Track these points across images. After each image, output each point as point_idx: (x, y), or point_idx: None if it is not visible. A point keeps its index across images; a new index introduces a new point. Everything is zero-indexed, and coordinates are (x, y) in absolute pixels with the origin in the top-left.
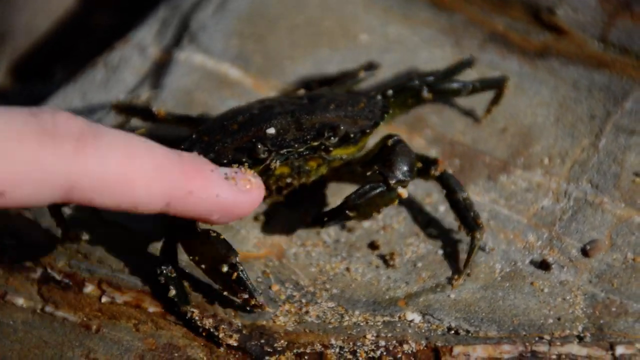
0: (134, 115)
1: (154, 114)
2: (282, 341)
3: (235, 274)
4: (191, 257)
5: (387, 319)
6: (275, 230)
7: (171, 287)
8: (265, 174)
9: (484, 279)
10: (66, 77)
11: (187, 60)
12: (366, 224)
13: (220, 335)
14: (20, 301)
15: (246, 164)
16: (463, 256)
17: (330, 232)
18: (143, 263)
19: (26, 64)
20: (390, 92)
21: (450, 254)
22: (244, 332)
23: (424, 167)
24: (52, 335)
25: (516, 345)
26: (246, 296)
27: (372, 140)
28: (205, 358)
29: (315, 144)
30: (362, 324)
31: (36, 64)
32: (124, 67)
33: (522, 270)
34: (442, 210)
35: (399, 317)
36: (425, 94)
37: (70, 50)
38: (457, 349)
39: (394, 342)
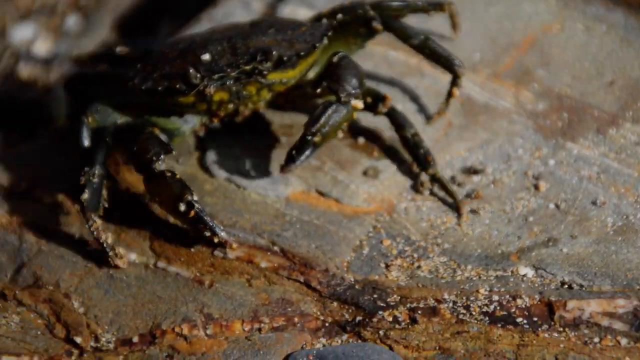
0: (99, 62)
1: (117, 55)
2: (395, 296)
3: (192, 212)
4: (153, 200)
5: (499, 273)
6: (384, 184)
7: (86, 190)
8: (204, 101)
9: (596, 233)
10: (171, 32)
11: (291, 14)
12: (475, 177)
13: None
14: (133, 256)
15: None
16: (575, 211)
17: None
18: (254, 219)
19: (131, 19)
20: (339, 16)
21: (563, 209)
22: (356, 287)
23: (372, 102)
24: (166, 290)
25: (630, 300)
26: (208, 234)
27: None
28: (318, 312)
29: (248, 68)
30: (474, 278)
31: (141, 19)
32: (229, 22)
33: (635, 224)
34: (551, 164)
35: (512, 272)
36: (376, 24)
37: (175, 5)
38: (571, 304)
39: (507, 296)
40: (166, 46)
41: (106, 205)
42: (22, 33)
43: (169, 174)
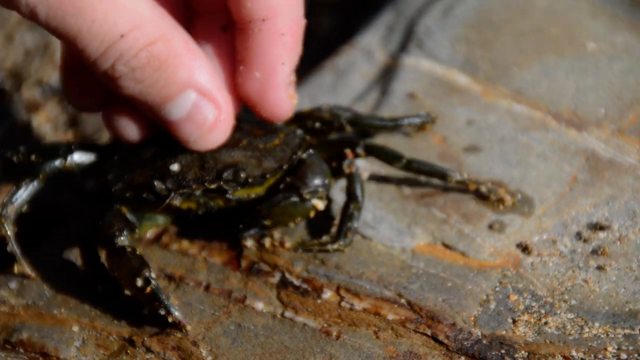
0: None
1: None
2: (522, 352)
3: (149, 288)
4: (111, 273)
5: (627, 331)
6: (510, 239)
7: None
8: (175, 209)
9: None
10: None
11: (414, 65)
12: (601, 234)
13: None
14: (260, 306)
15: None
16: None
17: (567, 242)
18: (380, 271)
19: None
20: (317, 124)
21: None
22: (483, 341)
23: (337, 166)
24: (293, 341)
25: None
26: (163, 312)
27: None
28: None
29: (213, 186)
30: (602, 336)
31: None
32: (351, 72)
33: None
34: None
35: None
36: (359, 150)
37: None
38: None
39: (636, 355)
40: (141, 143)
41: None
42: None
43: (129, 250)
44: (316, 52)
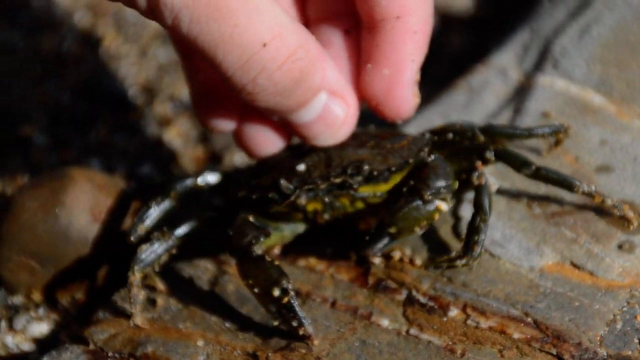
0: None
1: None
2: None
3: (286, 298)
4: (245, 281)
5: None
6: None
7: (149, 245)
8: (300, 210)
9: None
10: (424, 98)
11: (549, 85)
12: None
13: None
14: (386, 322)
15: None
16: None
17: None
18: (507, 289)
19: None
20: (450, 135)
21: None
22: None
23: (466, 178)
24: (417, 358)
25: None
26: (295, 324)
27: None
28: None
29: (338, 181)
30: None
31: None
32: (485, 90)
33: None
34: None
35: None
36: (489, 154)
37: (425, 72)
38: None
39: None
40: (270, 157)
41: (156, 270)
42: None
43: (268, 259)
44: (446, 69)
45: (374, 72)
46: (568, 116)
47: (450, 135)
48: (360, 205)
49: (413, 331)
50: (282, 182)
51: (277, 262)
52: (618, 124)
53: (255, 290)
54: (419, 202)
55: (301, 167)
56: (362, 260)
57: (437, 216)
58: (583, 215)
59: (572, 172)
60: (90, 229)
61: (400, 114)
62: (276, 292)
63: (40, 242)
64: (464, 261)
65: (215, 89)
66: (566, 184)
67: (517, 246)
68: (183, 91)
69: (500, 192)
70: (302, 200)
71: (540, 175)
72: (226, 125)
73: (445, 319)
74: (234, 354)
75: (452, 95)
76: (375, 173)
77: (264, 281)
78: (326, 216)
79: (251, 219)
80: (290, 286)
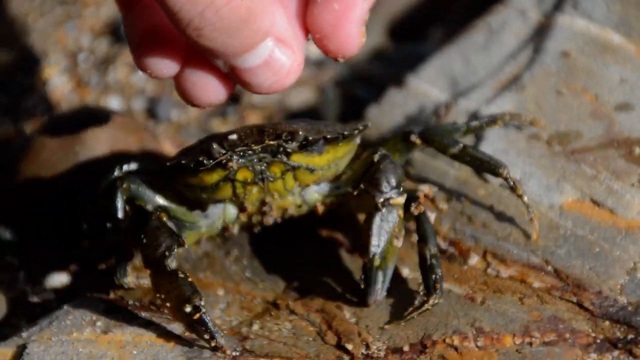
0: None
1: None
2: None
3: (198, 314)
4: (157, 295)
5: None
6: None
7: (114, 257)
8: (229, 180)
9: None
10: (443, 38)
11: (569, 25)
12: None
13: None
14: (406, 272)
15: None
16: None
17: None
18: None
19: (402, 24)
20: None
21: None
22: (629, 308)
23: (405, 202)
24: (437, 306)
25: None
26: (207, 337)
27: None
28: (589, 329)
29: (272, 143)
30: None
31: (412, 23)
32: (504, 30)
33: None
34: None
35: None
36: (413, 137)
37: (445, 12)
38: None
39: None
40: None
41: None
42: None
43: (181, 275)
44: (465, 9)
45: (324, 5)
46: (587, 55)
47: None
48: (290, 182)
49: None
50: (214, 145)
51: (190, 279)
52: (637, 63)
53: (167, 304)
54: (379, 213)
55: (233, 136)
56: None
57: (402, 214)
58: (603, 153)
59: (592, 111)
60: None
61: (344, 51)
62: (188, 309)
63: (60, 180)
64: (432, 302)
65: (157, 32)
66: (490, 167)
67: (537, 183)
68: None
69: (519, 129)
70: (234, 163)
71: (467, 153)
72: (168, 69)
73: (465, 267)
74: (254, 303)
75: (471, 36)
76: (310, 139)
77: (176, 297)
78: (254, 191)
79: (164, 217)
80: (202, 303)
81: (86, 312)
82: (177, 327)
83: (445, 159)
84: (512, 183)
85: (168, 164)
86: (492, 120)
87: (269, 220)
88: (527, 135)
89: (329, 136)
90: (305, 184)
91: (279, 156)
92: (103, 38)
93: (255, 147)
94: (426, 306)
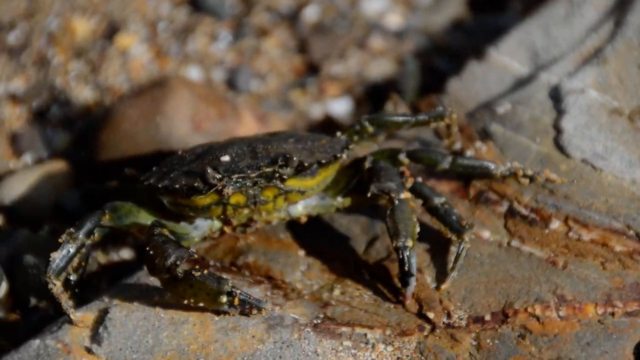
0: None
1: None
2: None
3: (236, 298)
4: (186, 301)
5: None
6: None
7: (60, 250)
8: (221, 204)
9: None
10: (522, 9)
11: None
12: None
13: None
14: (487, 234)
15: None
16: None
17: None
18: (610, 202)
19: None
20: (355, 137)
21: None
22: None
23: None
24: (519, 270)
25: None
26: (255, 312)
27: None
28: None
29: (268, 170)
30: None
31: None
32: (585, 3)
33: None
34: None
35: None
36: (402, 157)
37: None
38: None
39: None
40: (182, 151)
41: (71, 278)
42: (374, 5)
43: (197, 274)
44: None
45: None
46: None
47: (356, 137)
48: (280, 203)
49: (514, 243)
50: (209, 170)
51: (206, 271)
52: None
53: (201, 304)
54: (394, 205)
55: (226, 157)
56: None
57: (412, 204)
58: None
59: None
60: (191, 138)
61: None
62: (224, 299)
63: (141, 150)
64: (467, 237)
65: None
66: (483, 169)
67: (619, 159)
68: (281, 1)
69: (601, 104)
70: (229, 190)
71: (458, 164)
72: None
73: (546, 231)
74: (335, 266)
75: (551, 8)
76: (305, 164)
77: (207, 295)
78: (245, 212)
79: (166, 232)
80: (232, 284)
81: None
82: (258, 291)
83: (528, 133)
84: (508, 175)
85: (160, 185)
86: (437, 116)
87: (252, 230)
88: (609, 110)
89: (323, 161)
90: (294, 202)
91: (274, 182)
92: (182, 7)
93: (252, 175)
94: (464, 245)
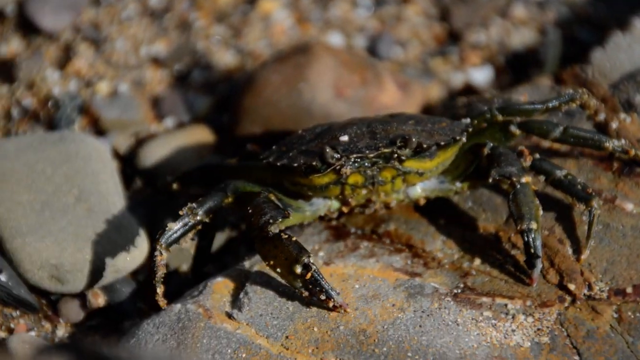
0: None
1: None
2: None
3: (309, 274)
4: (266, 263)
5: None
6: None
7: (178, 223)
8: (339, 183)
9: None
10: None
11: None
12: None
13: None
14: (630, 206)
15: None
16: None
17: None
18: None
19: None
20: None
21: None
22: None
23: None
24: None
25: None
26: (323, 297)
27: None
28: None
29: (387, 151)
30: None
31: None
32: None
33: None
34: None
35: None
36: (513, 128)
37: None
38: None
39: None
40: (302, 130)
41: (183, 246)
42: None
43: (285, 236)
44: None
45: None
46: None
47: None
48: (398, 184)
49: None
50: (328, 149)
51: (294, 238)
52: None
53: (278, 270)
54: (517, 188)
55: (345, 137)
56: None
57: (534, 187)
58: None
59: None
60: (333, 105)
61: None
62: (298, 269)
63: (283, 116)
64: (596, 204)
65: None
66: (595, 142)
67: None
68: None
69: None
70: (347, 170)
71: (570, 134)
72: None
73: None
74: (476, 235)
75: None
76: (424, 146)
77: (285, 260)
78: (363, 193)
79: (272, 197)
80: (312, 260)
81: (308, 240)
82: (399, 260)
83: None
84: (619, 152)
85: (278, 163)
86: (568, 100)
87: (370, 211)
88: None
89: (442, 143)
90: (412, 184)
91: (392, 162)
92: None
93: (370, 155)
94: (595, 212)
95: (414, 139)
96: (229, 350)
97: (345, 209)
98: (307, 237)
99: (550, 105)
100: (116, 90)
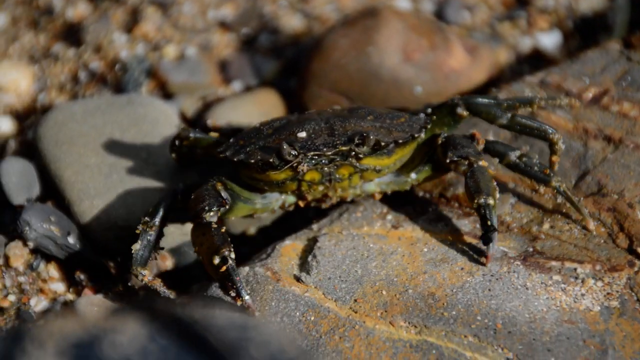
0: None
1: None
2: None
3: (224, 267)
4: (195, 249)
5: None
6: None
7: (139, 241)
8: (296, 179)
9: None
10: None
11: None
12: None
13: None
14: None
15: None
16: None
17: None
18: None
19: None
20: (429, 110)
21: None
22: None
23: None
24: None
25: None
26: (233, 294)
27: None
28: None
29: (345, 149)
30: None
31: None
32: None
33: None
34: None
35: None
36: (460, 110)
37: None
38: None
39: None
40: (260, 124)
41: (156, 259)
42: None
43: (214, 226)
44: None
45: None
46: None
47: (429, 110)
48: (355, 180)
49: None
50: (285, 146)
51: (223, 230)
52: None
53: (201, 257)
54: (474, 168)
55: (302, 134)
56: None
57: (490, 171)
58: None
59: None
60: (402, 69)
61: None
62: (216, 260)
63: (351, 80)
64: (556, 183)
65: None
66: (541, 133)
67: None
68: None
69: None
70: (304, 167)
71: (516, 122)
72: None
73: None
74: (545, 198)
75: None
76: (382, 144)
77: (207, 249)
78: (320, 189)
79: (220, 186)
80: (231, 255)
81: (376, 203)
82: (467, 224)
83: None
84: (562, 145)
85: (235, 159)
86: (528, 102)
87: (326, 205)
88: None
89: (400, 140)
90: (369, 180)
91: (350, 160)
92: None
93: (327, 153)
94: (561, 188)
95: (372, 137)
96: (298, 314)
97: (301, 204)
98: (372, 203)
99: (506, 104)
100: (183, 54)
